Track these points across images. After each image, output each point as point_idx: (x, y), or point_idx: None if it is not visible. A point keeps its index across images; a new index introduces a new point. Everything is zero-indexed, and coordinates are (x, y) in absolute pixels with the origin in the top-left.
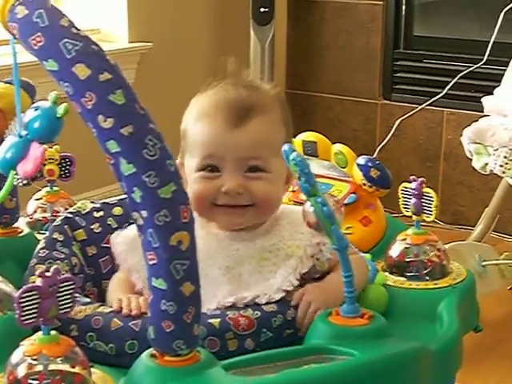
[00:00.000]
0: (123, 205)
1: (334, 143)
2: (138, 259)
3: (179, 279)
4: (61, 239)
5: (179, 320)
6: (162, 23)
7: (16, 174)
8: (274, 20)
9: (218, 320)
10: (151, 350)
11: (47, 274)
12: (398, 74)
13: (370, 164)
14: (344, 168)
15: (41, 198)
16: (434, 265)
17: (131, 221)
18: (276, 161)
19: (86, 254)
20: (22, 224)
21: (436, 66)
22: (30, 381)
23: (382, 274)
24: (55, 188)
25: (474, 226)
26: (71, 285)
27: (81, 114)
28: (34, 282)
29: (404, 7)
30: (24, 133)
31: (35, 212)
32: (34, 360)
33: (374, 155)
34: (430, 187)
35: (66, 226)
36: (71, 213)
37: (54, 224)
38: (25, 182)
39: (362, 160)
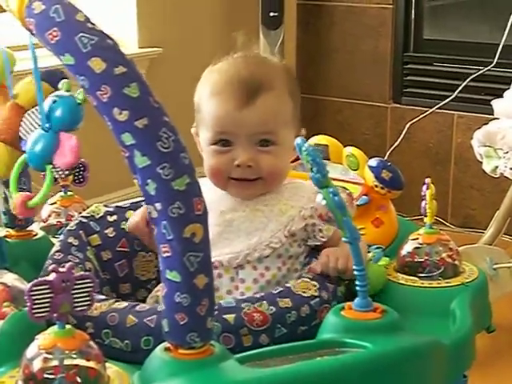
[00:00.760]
0: (136, 208)
1: (345, 146)
2: None
3: (193, 271)
4: (76, 244)
5: (193, 312)
6: (172, 28)
7: (53, 167)
8: (283, 24)
9: (233, 316)
10: (165, 344)
11: (61, 269)
12: (407, 78)
13: (381, 166)
14: (356, 170)
15: (55, 203)
16: (446, 265)
17: None
18: (284, 132)
19: (101, 258)
20: (36, 228)
21: (446, 69)
22: (45, 375)
23: (386, 258)
24: (69, 193)
25: (484, 229)
26: (89, 283)
27: (96, 107)
28: None
29: (413, 10)
30: (47, 125)
31: (49, 216)
32: (49, 354)
33: (385, 159)
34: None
35: (80, 231)
36: (85, 217)
37: (69, 228)
38: (66, 172)
39: (373, 162)
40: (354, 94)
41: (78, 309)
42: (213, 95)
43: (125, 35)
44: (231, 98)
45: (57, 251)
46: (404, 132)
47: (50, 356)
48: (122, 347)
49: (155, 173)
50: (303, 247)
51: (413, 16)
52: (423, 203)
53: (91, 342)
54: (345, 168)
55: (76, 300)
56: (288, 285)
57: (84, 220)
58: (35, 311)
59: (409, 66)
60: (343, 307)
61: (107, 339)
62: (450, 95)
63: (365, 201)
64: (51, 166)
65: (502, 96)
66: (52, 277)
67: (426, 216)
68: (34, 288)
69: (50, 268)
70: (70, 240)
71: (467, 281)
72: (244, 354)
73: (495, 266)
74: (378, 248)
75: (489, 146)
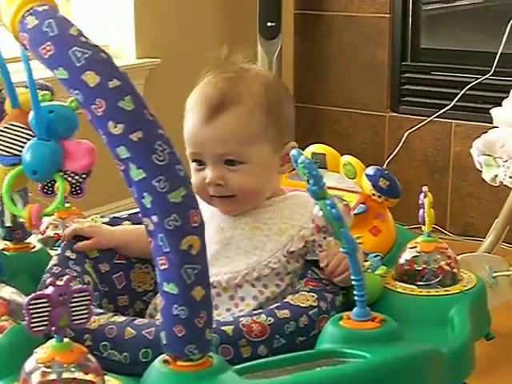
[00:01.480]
0: (132, 219)
1: (342, 155)
2: None
3: (190, 283)
4: (73, 257)
5: (191, 324)
6: (170, 39)
7: (64, 173)
8: (280, 34)
9: (232, 327)
10: (164, 356)
11: (58, 282)
12: (405, 87)
13: (378, 174)
14: (353, 179)
15: (52, 215)
16: (444, 273)
17: None
18: (253, 150)
19: (99, 271)
20: (34, 241)
21: (443, 77)
22: None
23: (384, 267)
24: (66, 204)
25: (483, 238)
26: (86, 296)
27: (91, 121)
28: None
29: (411, 19)
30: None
31: (47, 228)
32: (48, 367)
33: (383, 167)
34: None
35: None
36: None
37: (65, 242)
38: (83, 176)
39: (370, 170)
40: (352, 103)
41: (76, 322)
42: (186, 112)
43: (123, 46)
44: (197, 116)
45: (54, 265)
46: (402, 141)
47: (48, 370)
48: (120, 360)
49: (151, 185)
50: (301, 261)
51: (410, 25)
52: (421, 211)
53: (89, 355)
54: (342, 176)
55: (74, 313)
56: (286, 300)
57: None
58: (33, 325)
59: (406, 74)
60: (342, 317)
61: (105, 352)
62: (448, 104)
63: (362, 209)
64: (62, 173)
65: (500, 104)
66: (50, 290)
67: (424, 224)
68: (32, 302)
69: (48, 281)
70: (68, 254)
71: (466, 288)
72: (242, 365)
73: (494, 275)
74: (376, 256)
75: (488, 155)
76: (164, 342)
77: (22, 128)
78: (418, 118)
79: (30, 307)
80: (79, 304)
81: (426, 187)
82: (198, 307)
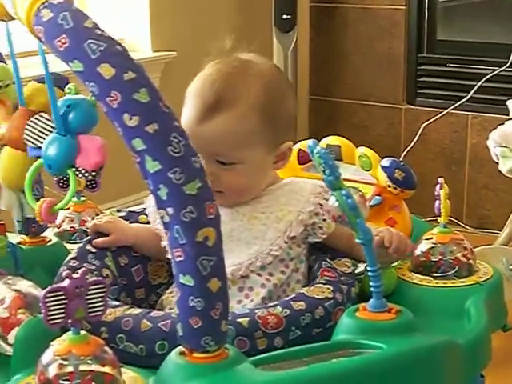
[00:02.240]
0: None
1: (357, 147)
2: None
3: (206, 275)
4: (93, 251)
5: (207, 316)
6: (185, 32)
7: (76, 169)
8: (296, 27)
9: (247, 319)
10: (180, 348)
11: (74, 275)
12: (421, 79)
13: (394, 166)
14: (368, 171)
15: (68, 208)
16: (460, 264)
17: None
18: (245, 153)
19: (119, 264)
20: (50, 235)
21: (460, 69)
22: (60, 381)
23: None
24: (82, 198)
25: (500, 230)
26: (102, 288)
27: (106, 113)
28: None
29: (426, 11)
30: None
31: (63, 222)
32: (65, 360)
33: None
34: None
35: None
36: None
37: (87, 236)
38: (93, 173)
39: (386, 162)
40: (368, 95)
41: (92, 314)
42: (186, 98)
43: (138, 39)
44: (192, 111)
45: (72, 258)
46: (418, 133)
47: (65, 362)
48: (136, 352)
49: (166, 177)
50: (302, 245)
51: (426, 17)
52: (437, 203)
53: (106, 348)
54: (357, 168)
55: (90, 305)
56: (301, 291)
57: None
58: (50, 317)
59: (423, 67)
60: (358, 308)
61: (122, 344)
62: (465, 96)
63: (378, 201)
64: (74, 169)
65: None
66: (66, 283)
67: (439, 216)
68: (49, 295)
69: (64, 274)
70: (88, 247)
71: (482, 280)
72: (259, 356)
73: (511, 267)
74: None
75: (505, 147)
76: (180, 334)
77: (49, 120)
78: (435, 110)
79: (47, 300)
80: (95, 296)
81: (441, 179)
82: (214, 299)
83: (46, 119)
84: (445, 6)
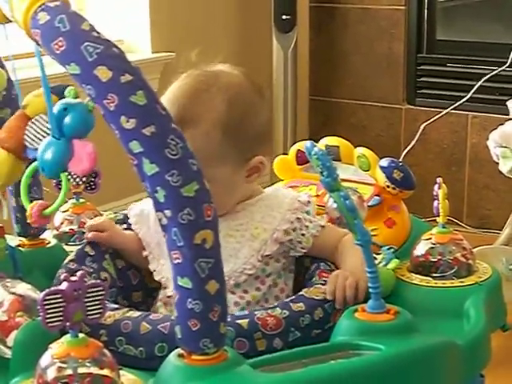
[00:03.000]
0: None
1: (356, 147)
2: (146, 230)
3: (204, 277)
4: (91, 254)
5: (205, 318)
6: (185, 33)
7: (69, 173)
8: (296, 27)
9: (247, 321)
10: (179, 350)
11: (72, 278)
12: (421, 79)
13: (392, 166)
14: (367, 171)
15: (67, 210)
16: (459, 264)
17: None
18: (209, 172)
19: (117, 266)
20: (49, 237)
21: (459, 69)
22: None
23: (397, 260)
24: (81, 200)
25: (500, 230)
26: (100, 291)
27: (103, 115)
28: None
29: (426, 11)
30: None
31: (62, 224)
32: (63, 363)
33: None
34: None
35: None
36: None
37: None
38: (83, 179)
39: (384, 162)
40: (368, 96)
41: (91, 317)
42: None
43: (138, 40)
44: None
45: (71, 260)
46: (418, 133)
47: (63, 365)
48: (136, 354)
49: (164, 180)
50: (283, 260)
51: (425, 17)
52: (435, 203)
53: (105, 350)
54: (356, 169)
55: (88, 308)
56: (301, 292)
57: None
58: (48, 320)
59: (422, 67)
60: (356, 309)
61: (121, 346)
62: (464, 96)
63: (377, 201)
64: (67, 174)
65: None
66: (64, 286)
67: (438, 216)
68: (47, 297)
69: (62, 277)
70: (87, 249)
71: (481, 280)
72: (258, 358)
73: (511, 267)
74: (389, 249)
75: (505, 147)
76: (179, 336)
77: (48, 123)
78: (434, 110)
79: (45, 303)
80: (93, 299)
81: (440, 179)
82: (212, 301)
83: (46, 121)
84: (444, 6)
